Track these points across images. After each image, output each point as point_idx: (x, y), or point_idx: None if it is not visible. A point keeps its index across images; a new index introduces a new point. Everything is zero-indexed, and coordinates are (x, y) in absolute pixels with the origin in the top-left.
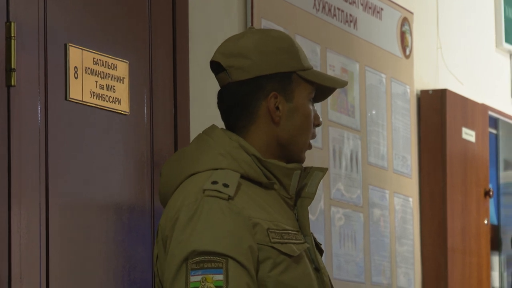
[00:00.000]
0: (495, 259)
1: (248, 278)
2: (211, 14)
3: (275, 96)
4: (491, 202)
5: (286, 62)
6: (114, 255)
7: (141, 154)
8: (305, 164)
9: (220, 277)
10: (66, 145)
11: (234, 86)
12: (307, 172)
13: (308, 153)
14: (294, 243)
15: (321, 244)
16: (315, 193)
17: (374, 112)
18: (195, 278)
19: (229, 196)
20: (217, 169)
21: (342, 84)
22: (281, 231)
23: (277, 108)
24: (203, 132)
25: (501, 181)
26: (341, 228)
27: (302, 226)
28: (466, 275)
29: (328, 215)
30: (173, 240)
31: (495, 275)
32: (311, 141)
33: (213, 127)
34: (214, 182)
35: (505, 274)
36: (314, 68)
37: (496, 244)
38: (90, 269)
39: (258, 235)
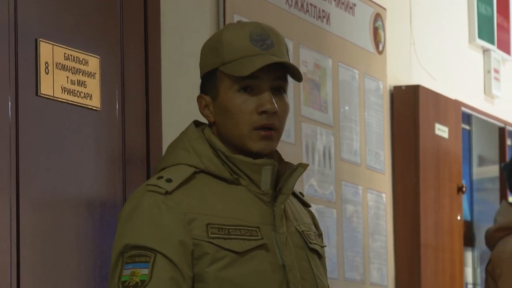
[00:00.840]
0: (469, 255)
1: (174, 273)
2: (183, 10)
3: (202, 97)
4: (464, 198)
5: (210, 60)
6: (86, 251)
7: (112, 150)
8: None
9: (145, 271)
10: (37, 141)
11: None
12: (292, 168)
13: (280, 149)
14: (244, 239)
15: (324, 246)
16: (291, 189)
17: (347, 108)
18: (126, 272)
19: (167, 191)
20: (180, 164)
21: (253, 67)
22: (228, 227)
23: (209, 108)
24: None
25: (474, 177)
26: None
27: (276, 221)
28: (439, 271)
29: None
30: (116, 233)
31: (469, 271)
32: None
33: (192, 122)
34: (159, 178)
35: (478, 270)
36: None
37: (469, 240)
38: (61, 265)
39: (195, 231)
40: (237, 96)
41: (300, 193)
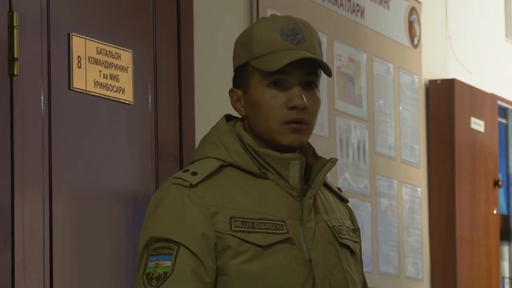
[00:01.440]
0: (505, 249)
1: (196, 265)
2: (216, 3)
3: (233, 91)
4: (501, 192)
5: (242, 54)
6: (118, 245)
7: (145, 144)
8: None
9: (168, 263)
10: (70, 135)
11: None
12: (323, 162)
13: (314, 143)
14: (268, 233)
15: (359, 242)
16: (320, 183)
17: (381, 102)
18: (150, 264)
19: (191, 184)
20: (207, 157)
21: (281, 62)
22: (252, 220)
23: (241, 102)
24: None
25: (511, 171)
26: None
27: (303, 216)
28: (475, 265)
29: None
30: (143, 225)
31: (505, 265)
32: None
33: (223, 116)
34: (185, 171)
35: None
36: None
37: (506, 234)
38: (94, 258)
39: (218, 224)
40: (267, 91)
41: (338, 188)
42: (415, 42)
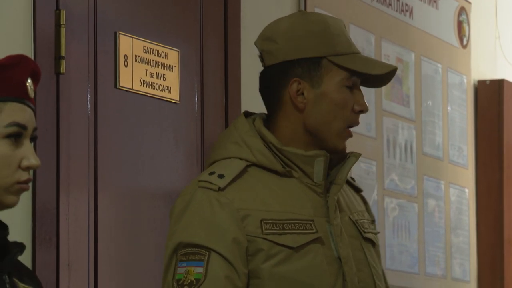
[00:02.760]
0: None
1: (229, 271)
2: (263, 3)
3: (298, 82)
4: None
5: (315, 46)
6: (163, 244)
7: (191, 143)
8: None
9: (200, 269)
10: (116, 133)
11: (265, 71)
12: (346, 157)
13: (361, 143)
14: (299, 233)
15: (378, 233)
16: (345, 179)
17: (430, 102)
18: (180, 270)
19: (219, 187)
20: (230, 157)
21: (380, 68)
22: (282, 221)
23: (302, 94)
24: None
25: None
26: (395, 218)
27: (329, 213)
28: None
29: (382, 206)
30: (168, 230)
31: None
32: (358, 129)
33: (242, 114)
34: (211, 173)
35: None
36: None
37: None
38: (138, 258)
39: (249, 227)
40: (344, 91)
41: (352, 178)
42: (464, 42)
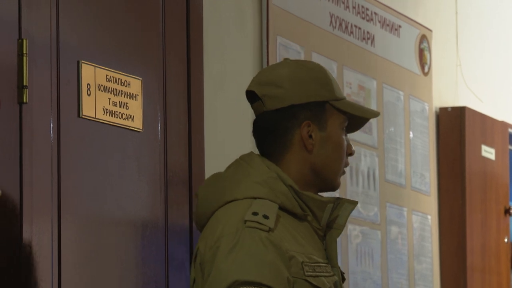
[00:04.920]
0: None
1: None
2: (225, 32)
3: (308, 125)
4: None
5: (319, 91)
6: (128, 272)
7: (154, 171)
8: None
9: None
10: (79, 162)
11: (269, 114)
12: (338, 203)
13: None
14: (325, 276)
15: (344, 273)
16: (345, 225)
17: (392, 129)
18: None
19: (269, 228)
20: (255, 198)
21: (374, 114)
22: (313, 264)
23: (310, 136)
24: (240, 158)
25: None
26: (358, 245)
27: (330, 257)
28: None
29: (345, 233)
30: (215, 268)
31: None
32: None
33: (252, 154)
34: (255, 213)
35: None
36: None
37: None
38: (103, 285)
39: (293, 268)
40: (342, 134)
41: None
42: (426, 69)
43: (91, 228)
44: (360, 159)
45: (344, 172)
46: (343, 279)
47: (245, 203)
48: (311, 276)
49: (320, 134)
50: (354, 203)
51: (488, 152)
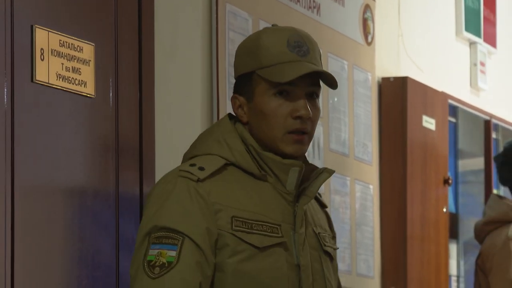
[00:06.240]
0: (453, 247)
1: (200, 258)
2: None
3: (235, 97)
4: (450, 190)
5: (247, 62)
6: (78, 240)
7: (106, 138)
8: None
9: (173, 253)
10: (32, 127)
11: None
12: (318, 172)
13: None
14: (265, 235)
15: (337, 248)
16: (315, 192)
17: (336, 99)
18: (152, 252)
19: (198, 178)
20: (211, 154)
21: (296, 73)
22: (251, 221)
23: (242, 108)
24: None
25: (460, 169)
26: None
27: (295, 222)
28: (425, 263)
29: None
30: (144, 213)
31: (453, 263)
32: None
33: (226, 115)
34: (192, 165)
35: (462, 262)
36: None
37: (454, 232)
38: (54, 253)
39: (220, 221)
40: (273, 100)
41: (319, 193)
42: (369, 39)
43: (43, 195)
44: None
45: (295, 139)
46: (328, 254)
47: (196, 158)
48: (241, 231)
49: (249, 105)
50: (330, 172)
51: (429, 123)
